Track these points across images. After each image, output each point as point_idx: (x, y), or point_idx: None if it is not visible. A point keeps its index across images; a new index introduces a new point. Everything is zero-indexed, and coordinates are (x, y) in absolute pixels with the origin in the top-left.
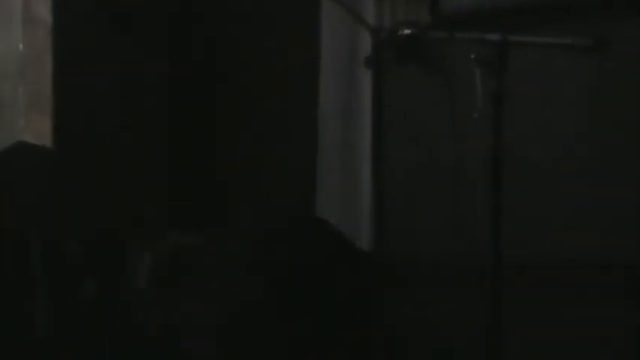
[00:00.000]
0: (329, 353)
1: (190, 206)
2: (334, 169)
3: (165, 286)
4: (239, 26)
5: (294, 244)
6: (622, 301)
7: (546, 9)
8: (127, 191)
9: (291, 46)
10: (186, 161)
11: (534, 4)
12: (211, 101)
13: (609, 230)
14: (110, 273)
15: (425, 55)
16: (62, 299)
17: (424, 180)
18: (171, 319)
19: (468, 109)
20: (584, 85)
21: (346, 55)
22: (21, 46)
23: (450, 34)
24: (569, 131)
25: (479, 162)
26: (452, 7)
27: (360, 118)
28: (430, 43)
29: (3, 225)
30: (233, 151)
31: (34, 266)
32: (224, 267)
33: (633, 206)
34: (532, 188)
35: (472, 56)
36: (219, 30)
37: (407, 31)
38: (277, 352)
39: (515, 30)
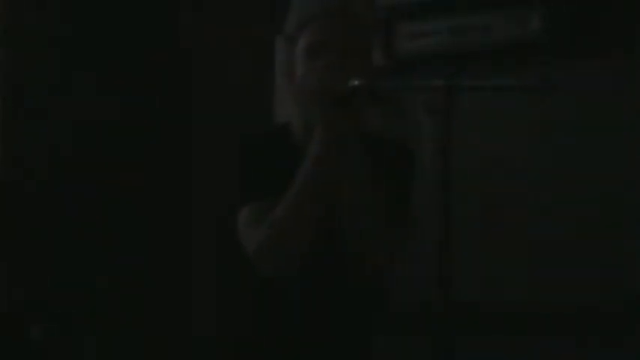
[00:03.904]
0: None
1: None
2: None
3: None
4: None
5: None
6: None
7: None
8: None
9: (246, 95)
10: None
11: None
12: (166, 134)
13: (565, 269)
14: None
15: (378, 101)
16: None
17: None
18: None
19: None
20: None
21: None
22: None
23: (399, 80)
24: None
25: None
26: (406, 51)
27: None
28: (382, 90)
29: None
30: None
31: None
32: None
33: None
34: (485, 232)
35: (420, 102)
36: (172, 56)
37: (357, 80)
38: None
39: (467, 72)
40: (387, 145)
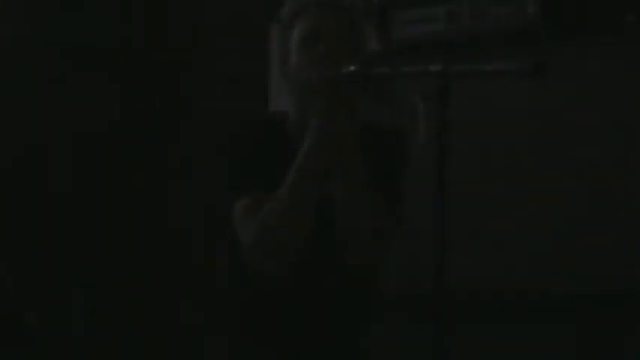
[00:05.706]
0: None
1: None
2: None
3: None
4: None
5: None
6: None
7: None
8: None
9: (242, 75)
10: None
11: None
12: (161, 126)
13: (553, 257)
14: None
15: (372, 88)
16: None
17: None
18: None
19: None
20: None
21: None
22: None
23: (394, 67)
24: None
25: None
26: (402, 37)
27: None
28: (376, 77)
29: None
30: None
31: None
32: None
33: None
34: (479, 219)
35: (416, 88)
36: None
37: (352, 67)
38: None
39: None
40: (380, 134)
